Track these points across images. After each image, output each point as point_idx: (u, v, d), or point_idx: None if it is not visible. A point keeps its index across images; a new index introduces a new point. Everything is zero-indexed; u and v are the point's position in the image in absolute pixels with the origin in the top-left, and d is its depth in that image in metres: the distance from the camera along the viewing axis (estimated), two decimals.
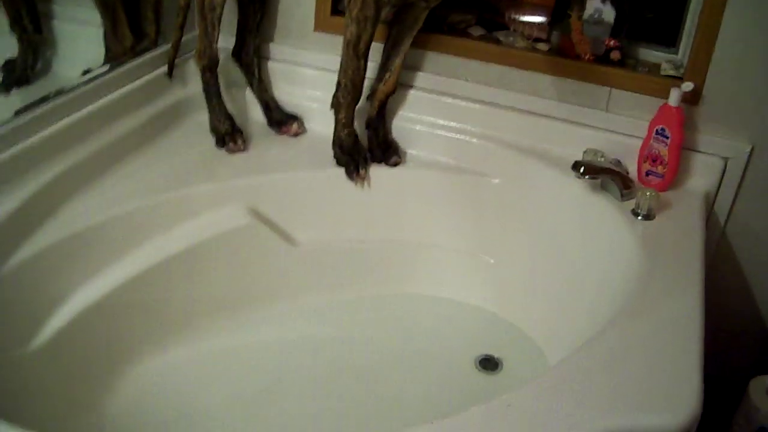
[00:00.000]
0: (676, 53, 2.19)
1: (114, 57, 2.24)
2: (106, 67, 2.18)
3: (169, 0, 2.32)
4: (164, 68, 2.32)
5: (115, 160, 2.09)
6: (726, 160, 2.09)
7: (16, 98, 2.12)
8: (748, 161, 2.09)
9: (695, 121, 2.09)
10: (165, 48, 2.34)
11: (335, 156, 2.18)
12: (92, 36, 2.26)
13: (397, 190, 2.23)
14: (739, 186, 2.12)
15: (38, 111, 1.93)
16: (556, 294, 2.12)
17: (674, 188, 2.09)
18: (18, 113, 1.90)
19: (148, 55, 2.30)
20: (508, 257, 2.23)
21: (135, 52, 2.29)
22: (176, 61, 2.32)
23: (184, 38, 2.30)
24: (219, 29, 2.16)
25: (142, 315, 1.98)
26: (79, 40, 2.27)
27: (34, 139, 1.90)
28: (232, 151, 2.23)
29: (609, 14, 2.10)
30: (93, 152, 2.02)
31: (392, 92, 2.21)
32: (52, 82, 2.21)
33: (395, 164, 2.22)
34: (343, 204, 2.20)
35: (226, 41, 2.31)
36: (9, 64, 2.15)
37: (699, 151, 2.10)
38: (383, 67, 2.19)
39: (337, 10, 2.33)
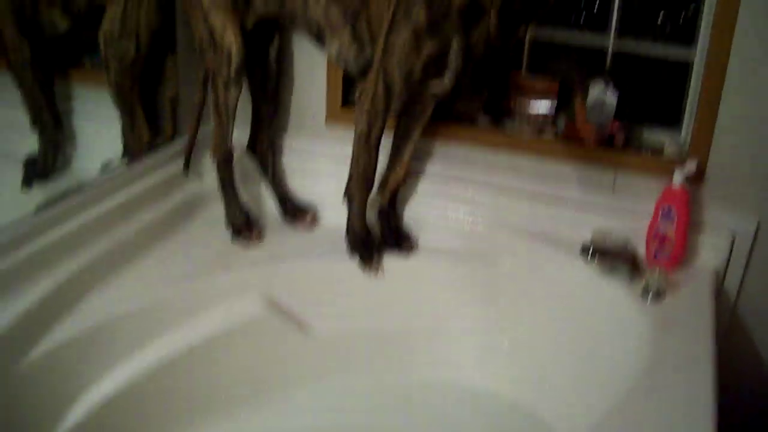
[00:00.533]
0: (679, 132, 2.28)
1: (132, 152, 2.37)
2: (124, 163, 2.31)
3: (185, 95, 2.45)
4: (180, 164, 2.44)
5: (133, 254, 2.18)
6: (733, 236, 2.15)
7: (38, 192, 2.21)
8: (755, 237, 2.15)
9: (700, 200, 2.16)
10: (181, 143, 2.46)
11: (349, 246, 2.25)
12: (110, 131, 2.38)
13: (410, 277, 2.29)
14: (748, 262, 2.17)
15: (59, 207, 2.03)
16: (569, 375, 2.16)
17: (683, 267, 2.15)
18: (39, 209, 2.00)
19: (164, 151, 2.42)
20: (522, 341, 2.27)
21: (152, 147, 2.41)
22: (192, 154, 2.43)
23: (199, 132, 2.41)
24: (233, 124, 2.27)
25: (161, 406, 2.03)
26: (98, 136, 2.40)
27: (54, 234, 1.98)
28: (248, 243, 2.31)
29: (611, 99, 2.19)
30: (112, 246, 2.11)
31: (403, 181, 2.31)
32: (72, 177, 2.31)
33: (408, 252, 2.29)
34: (358, 292, 2.26)
35: (240, 134, 2.41)
36: (30, 159, 2.26)
37: (706, 229, 2.17)
38: (393, 157, 2.29)
39: (347, 101, 2.46)
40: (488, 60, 1.75)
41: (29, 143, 2.27)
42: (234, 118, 2.26)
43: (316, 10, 2.08)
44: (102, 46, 2.25)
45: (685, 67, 2.23)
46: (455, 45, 1.84)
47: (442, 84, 2.01)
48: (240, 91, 2.23)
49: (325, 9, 2.07)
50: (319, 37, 2.15)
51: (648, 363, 1.80)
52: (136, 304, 2.00)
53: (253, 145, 2.46)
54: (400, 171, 2.27)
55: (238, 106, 2.26)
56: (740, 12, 1.98)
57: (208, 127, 2.42)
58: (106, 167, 2.29)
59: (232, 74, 2.19)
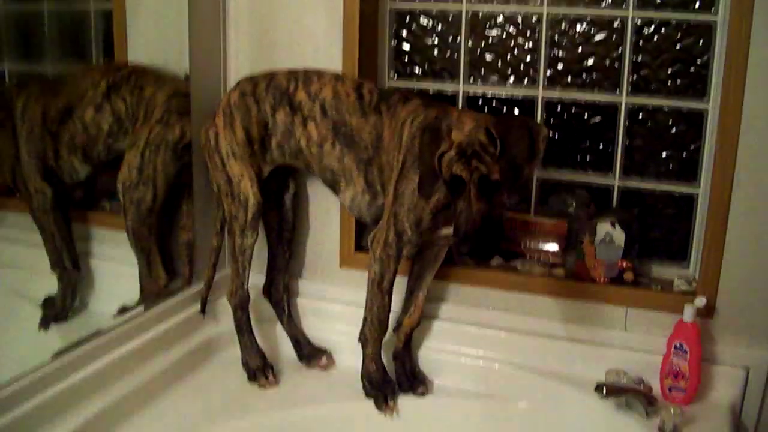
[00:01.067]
0: (688, 268, 2.37)
1: (148, 295, 2.46)
2: (141, 308, 2.37)
3: (201, 240, 2.55)
4: (196, 307, 2.52)
5: (150, 398, 2.23)
6: (747, 369, 2.19)
7: (55, 335, 2.26)
8: None
9: (712, 334, 2.22)
10: (196, 288, 2.55)
11: (364, 388, 2.30)
12: (127, 274, 2.46)
13: (425, 419, 2.30)
14: (764, 394, 2.20)
15: (76, 353, 2.08)
16: None
17: (698, 401, 2.18)
18: (56, 355, 2.04)
19: (180, 296, 2.50)
20: None
21: (168, 291, 2.49)
22: (208, 298, 2.51)
23: (215, 276, 2.50)
24: (249, 270, 2.35)
25: None
26: (115, 278, 2.49)
27: (72, 379, 2.03)
28: (263, 386, 2.35)
29: (619, 237, 2.27)
30: (129, 391, 2.16)
31: (417, 325, 2.37)
32: (89, 319, 2.37)
33: (422, 394, 2.33)
34: None
35: (255, 278, 2.49)
36: (49, 301, 2.32)
37: (720, 363, 2.21)
38: (407, 301, 2.37)
39: (360, 246, 2.55)
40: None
41: (47, 285, 2.33)
42: (250, 263, 2.35)
43: (331, 159, 2.20)
44: (120, 193, 2.37)
45: (691, 203, 2.33)
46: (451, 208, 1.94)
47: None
48: (256, 237, 2.33)
49: (340, 158, 2.18)
50: (333, 186, 2.26)
51: None
52: None
53: (268, 289, 2.55)
54: (414, 315, 2.34)
55: (254, 251, 2.34)
56: (739, 152, 2.09)
57: (224, 272, 2.50)
58: (122, 311, 2.34)
59: (249, 220, 2.28)
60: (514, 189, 1.91)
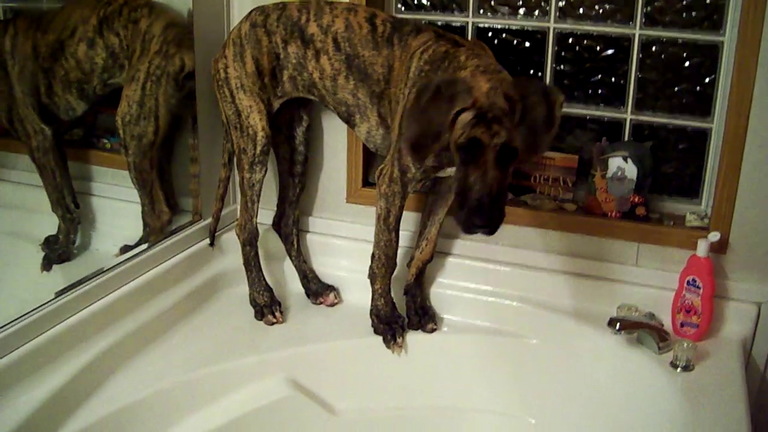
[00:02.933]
0: (700, 204, 2.36)
1: (152, 232, 2.44)
2: (145, 246, 2.35)
3: (206, 175, 2.53)
4: (202, 243, 2.51)
5: (156, 335, 2.23)
6: (759, 305, 2.20)
7: (58, 275, 2.25)
8: None
9: (725, 269, 2.22)
10: (202, 224, 2.53)
11: (373, 325, 2.30)
12: (129, 212, 2.45)
13: (435, 355, 2.32)
14: None
15: (79, 291, 2.07)
16: None
17: (710, 337, 2.19)
18: (59, 293, 2.02)
19: (185, 232, 2.48)
20: (550, 417, 2.29)
21: (172, 227, 2.48)
22: (217, 231, 2.51)
23: (223, 211, 2.50)
24: (258, 204, 2.34)
25: None
26: (118, 216, 2.49)
27: (76, 318, 2.03)
28: (270, 323, 2.36)
29: (631, 171, 2.25)
30: (134, 329, 2.16)
31: (429, 260, 2.36)
32: (92, 258, 2.36)
33: (432, 331, 2.33)
34: (381, 372, 2.30)
35: (264, 214, 2.48)
36: (50, 241, 2.30)
37: (732, 299, 2.22)
38: (420, 236, 2.35)
39: (368, 182, 2.53)
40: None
41: (48, 226, 2.32)
42: (259, 198, 2.34)
43: (344, 93, 2.17)
44: (120, 128, 2.34)
45: (704, 138, 2.31)
46: (456, 175, 1.84)
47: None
48: (265, 172, 2.31)
49: (353, 92, 2.15)
50: (348, 120, 2.24)
51: None
52: (160, 387, 2.03)
53: (278, 223, 2.53)
54: (426, 249, 2.33)
55: (264, 184, 2.33)
56: (756, 84, 2.07)
57: (233, 207, 2.48)
58: (125, 249, 2.33)
59: (258, 154, 2.26)
60: (529, 159, 1.84)
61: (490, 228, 1.78)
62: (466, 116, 1.73)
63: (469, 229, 1.80)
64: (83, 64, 2.29)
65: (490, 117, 1.72)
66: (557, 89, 1.84)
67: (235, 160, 2.35)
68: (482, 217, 1.75)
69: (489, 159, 1.74)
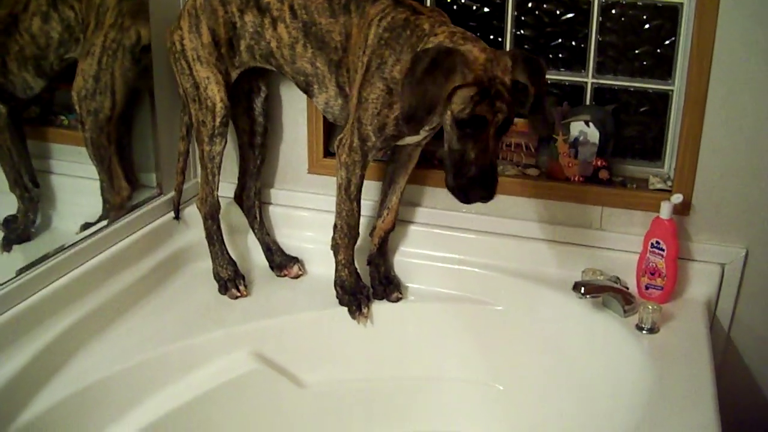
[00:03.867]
0: (662, 167, 2.35)
1: (112, 208, 2.39)
2: (105, 222, 2.31)
3: (165, 149, 2.48)
4: (163, 218, 2.48)
5: (120, 312, 2.20)
6: (723, 266, 2.21)
7: (18, 255, 2.21)
8: (745, 264, 2.21)
9: (688, 231, 2.23)
10: (162, 199, 2.50)
11: (337, 296, 2.28)
12: (90, 189, 2.39)
13: (401, 325, 2.31)
14: (739, 290, 2.23)
15: (40, 268, 2.03)
16: (568, 415, 2.18)
17: (675, 299, 2.20)
18: (20, 272, 1.99)
19: (146, 207, 2.44)
20: (518, 383, 2.29)
21: (132, 202, 2.43)
22: (180, 204, 2.49)
23: (185, 183, 2.48)
24: (219, 177, 2.31)
25: None
26: (78, 194, 2.43)
27: (38, 297, 1.99)
28: (235, 297, 2.33)
29: (593, 135, 2.24)
30: (97, 306, 2.13)
31: (391, 229, 2.34)
32: (53, 237, 2.32)
33: (397, 300, 2.32)
34: (348, 343, 2.28)
35: (226, 187, 2.45)
36: (9, 221, 2.26)
37: (695, 260, 2.23)
38: (382, 205, 2.33)
39: (329, 152, 2.51)
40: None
41: (7, 205, 2.27)
42: (219, 170, 2.30)
43: (303, 61, 2.14)
44: (76, 103, 2.28)
45: (666, 100, 2.30)
46: (451, 147, 1.86)
47: (418, 138, 2.08)
48: (225, 144, 2.27)
49: (311, 61, 2.13)
50: (307, 90, 2.21)
51: (648, 397, 1.83)
52: (125, 364, 2.01)
53: (240, 196, 2.50)
54: (388, 218, 2.31)
55: (225, 157, 2.30)
56: (716, 45, 2.06)
57: (194, 180, 2.45)
58: (86, 226, 2.29)
59: (217, 126, 2.23)
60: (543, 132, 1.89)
61: (487, 197, 1.84)
62: (468, 92, 1.75)
63: (471, 200, 1.85)
64: (38, 39, 2.23)
65: (492, 92, 1.75)
66: (540, 58, 1.87)
67: (193, 132, 2.32)
68: (485, 188, 1.81)
69: (491, 134, 1.77)
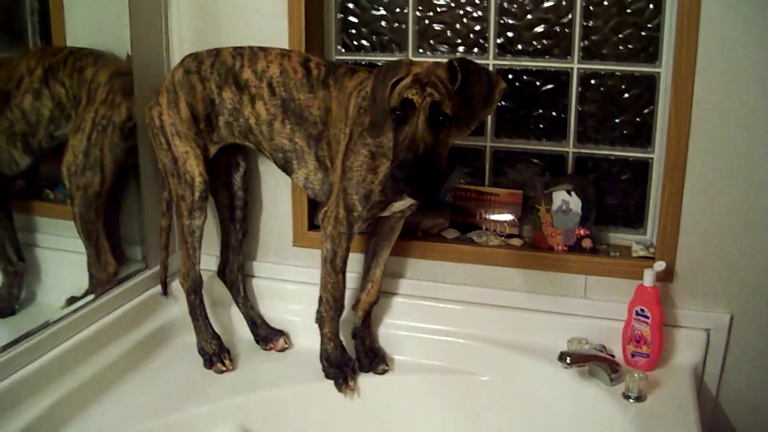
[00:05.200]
0: (645, 233, 2.36)
1: (98, 283, 2.38)
2: (91, 297, 2.31)
3: (150, 224, 2.50)
4: (148, 293, 2.48)
5: (105, 388, 2.18)
6: (708, 331, 2.21)
7: (2, 329, 2.20)
8: (730, 330, 2.20)
9: (672, 298, 2.23)
10: (147, 274, 2.50)
11: (323, 369, 2.27)
12: (74, 262, 2.39)
13: (387, 397, 2.29)
14: (725, 355, 2.22)
15: (24, 345, 2.02)
16: None
17: (661, 366, 2.19)
18: (3, 349, 1.98)
19: (131, 282, 2.44)
20: None
21: (118, 277, 2.43)
22: (167, 279, 2.50)
23: (170, 258, 2.49)
24: (200, 251, 2.32)
25: None
26: (62, 268, 2.43)
27: (21, 374, 1.98)
28: (220, 371, 2.32)
29: (576, 204, 2.26)
30: (82, 382, 2.11)
31: (375, 301, 2.34)
32: (37, 310, 2.31)
33: (383, 372, 2.31)
34: (334, 416, 2.26)
35: (210, 260, 2.47)
36: None
37: (680, 326, 2.22)
38: (365, 278, 2.33)
39: (314, 225, 2.51)
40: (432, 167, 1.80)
41: None
42: (200, 245, 2.31)
43: (281, 137, 2.17)
44: (65, 178, 2.30)
45: (646, 168, 2.32)
46: (388, 141, 1.93)
47: (404, 203, 2.09)
48: (205, 218, 2.28)
49: (290, 137, 2.15)
50: (285, 167, 2.23)
51: None
52: None
53: (223, 270, 2.51)
54: (372, 291, 2.31)
55: (205, 233, 2.31)
56: (694, 112, 2.09)
57: (178, 254, 2.46)
58: (71, 301, 2.29)
59: (196, 200, 2.24)
60: (461, 130, 1.88)
61: (417, 187, 1.79)
62: (403, 82, 1.83)
63: (395, 187, 1.84)
64: (29, 116, 2.25)
65: (425, 82, 1.80)
66: (500, 78, 1.91)
67: (173, 207, 2.33)
68: (404, 172, 1.76)
69: (420, 118, 1.79)
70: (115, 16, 2.36)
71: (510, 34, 2.36)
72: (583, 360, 2.10)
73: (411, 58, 2.43)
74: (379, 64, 2.43)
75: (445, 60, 1.85)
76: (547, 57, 2.34)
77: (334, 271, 2.15)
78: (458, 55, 2.40)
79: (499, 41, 2.37)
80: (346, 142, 2.03)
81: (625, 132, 2.33)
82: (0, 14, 2.27)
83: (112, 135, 2.32)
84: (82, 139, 2.28)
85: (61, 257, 2.41)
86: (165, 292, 2.50)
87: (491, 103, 1.86)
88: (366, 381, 2.26)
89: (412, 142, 1.77)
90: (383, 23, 2.47)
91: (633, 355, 2.17)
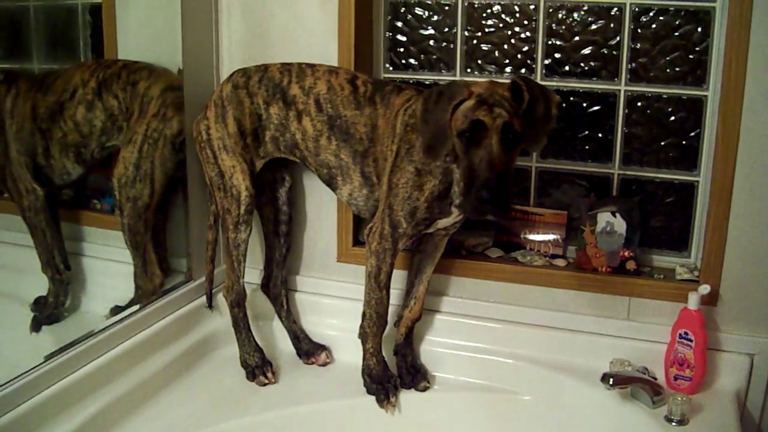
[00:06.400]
0: (689, 256, 2.37)
1: (143, 294, 2.42)
2: (136, 307, 2.35)
3: (197, 236, 2.54)
4: (193, 305, 2.51)
5: (147, 398, 2.21)
6: (752, 356, 2.20)
7: (47, 337, 2.23)
8: None
9: (716, 321, 2.22)
10: (192, 285, 2.53)
11: (365, 384, 2.29)
12: (119, 272, 2.44)
13: (428, 414, 2.30)
14: None
15: (69, 354, 2.05)
16: None
17: (704, 390, 2.18)
18: (49, 357, 2.01)
19: (176, 293, 2.48)
20: None
21: (163, 289, 2.47)
22: (212, 292, 2.53)
23: (215, 271, 2.51)
24: (245, 265, 2.35)
25: None
26: (107, 277, 2.47)
27: (66, 382, 2.00)
28: (262, 384, 2.34)
29: (620, 226, 2.26)
30: (126, 391, 2.14)
31: (418, 318, 2.36)
32: (82, 319, 2.35)
33: (425, 389, 2.32)
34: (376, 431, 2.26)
35: (254, 274, 2.50)
36: (40, 302, 2.29)
37: (724, 350, 2.21)
38: (408, 294, 2.35)
39: (358, 241, 2.54)
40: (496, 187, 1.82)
41: (38, 286, 2.31)
42: (245, 258, 2.34)
43: (327, 153, 2.20)
44: (116, 189, 2.35)
45: (691, 191, 2.33)
46: (461, 166, 1.91)
47: (449, 220, 2.10)
48: (250, 232, 2.31)
49: (336, 153, 2.18)
50: (330, 183, 2.26)
51: None
52: None
53: (266, 284, 2.53)
54: (415, 308, 2.33)
55: (249, 246, 2.34)
56: (741, 135, 2.10)
57: (222, 267, 2.50)
58: (115, 310, 2.32)
59: (242, 214, 2.28)
60: (532, 147, 1.91)
61: (500, 206, 1.83)
62: (467, 104, 1.83)
63: (479, 208, 1.85)
64: (82, 127, 2.30)
65: (491, 102, 1.81)
66: (553, 92, 1.92)
67: (220, 221, 2.36)
68: (490, 191, 1.79)
69: (493, 140, 1.80)
70: (167, 31, 2.42)
71: (558, 55, 2.38)
72: (626, 382, 2.10)
73: (460, 77, 2.46)
74: (427, 83, 2.48)
75: (494, 79, 1.87)
76: (594, 79, 2.36)
77: (378, 286, 2.17)
78: (506, 75, 2.43)
79: (546, 62, 2.39)
80: (393, 159, 2.06)
81: (670, 155, 2.34)
82: (54, 28, 2.33)
83: (163, 148, 2.36)
84: (133, 151, 2.32)
85: (106, 267, 2.45)
86: (210, 304, 2.53)
87: (551, 119, 1.88)
88: (407, 398, 2.27)
89: (491, 163, 1.79)
90: (431, 42, 2.50)
91: (676, 378, 2.17)
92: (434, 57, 2.51)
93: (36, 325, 2.30)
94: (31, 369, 1.92)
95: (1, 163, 2.24)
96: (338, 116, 2.17)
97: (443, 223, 2.11)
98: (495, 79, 1.97)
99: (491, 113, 1.80)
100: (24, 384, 1.88)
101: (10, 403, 1.84)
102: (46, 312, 2.34)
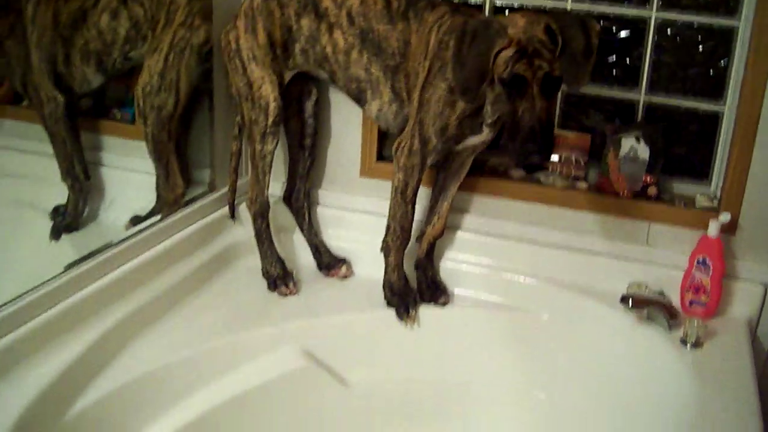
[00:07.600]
0: (709, 186, 2.40)
1: (165, 204, 2.45)
2: (158, 217, 2.37)
3: (221, 147, 2.55)
4: (214, 215, 2.53)
5: (169, 307, 2.24)
6: (766, 286, 2.24)
7: (67, 245, 2.26)
8: None
9: (733, 250, 2.26)
10: (214, 196, 2.56)
11: (386, 298, 2.33)
12: (139, 183, 2.47)
13: (446, 329, 2.35)
14: None
15: (90, 263, 2.06)
16: (609, 427, 2.20)
17: (717, 316, 2.23)
18: (69, 266, 2.02)
19: (198, 204, 2.50)
20: (559, 392, 2.33)
21: (185, 199, 2.49)
22: (235, 203, 2.55)
23: (238, 182, 2.53)
24: (270, 177, 2.36)
25: None
26: (126, 187, 2.49)
27: (87, 291, 2.02)
28: (283, 295, 2.38)
29: (644, 152, 2.28)
30: (147, 301, 2.16)
31: (440, 235, 2.39)
32: (100, 228, 2.37)
33: (444, 304, 2.36)
34: (393, 344, 2.33)
35: (276, 188, 2.52)
36: (58, 210, 2.31)
37: (739, 279, 2.26)
38: (431, 211, 2.38)
39: (381, 156, 2.56)
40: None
41: (57, 195, 2.33)
42: (270, 170, 2.36)
43: (357, 67, 2.20)
44: (140, 99, 2.34)
45: (715, 121, 2.35)
46: (502, 109, 1.93)
47: (479, 138, 2.12)
48: (276, 144, 2.33)
49: (366, 67, 2.18)
50: (358, 98, 2.27)
51: (692, 414, 1.87)
52: (176, 358, 2.05)
53: (289, 197, 2.56)
54: (437, 224, 2.36)
55: (274, 158, 2.35)
56: None
57: (244, 179, 2.51)
58: (135, 220, 2.35)
59: (269, 125, 2.29)
60: (574, 89, 1.92)
61: (545, 154, 1.87)
62: (507, 53, 1.81)
63: (524, 157, 1.87)
64: (105, 35, 2.28)
65: (530, 51, 1.80)
66: (592, 19, 1.92)
67: (245, 132, 2.37)
68: (536, 143, 1.83)
69: (534, 91, 1.82)
70: None
71: None
72: (646, 303, 2.16)
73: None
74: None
75: (540, 21, 1.82)
76: (625, 4, 2.35)
77: (404, 201, 2.20)
78: None
79: None
80: (425, 76, 2.06)
81: (697, 84, 2.35)
82: None
83: (189, 57, 2.35)
84: (158, 60, 2.31)
85: (126, 177, 2.47)
86: (233, 215, 2.55)
87: (592, 51, 1.85)
88: (426, 312, 2.32)
89: (533, 116, 1.81)
90: None
91: (691, 304, 2.22)
92: None
93: (55, 233, 2.32)
94: (51, 278, 1.93)
95: (22, 70, 2.23)
96: (370, 30, 2.17)
97: (473, 141, 2.13)
98: (528, 11, 1.94)
99: (531, 66, 1.80)
100: (44, 293, 1.89)
101: (32, 312, 1.85)
102: (65, 220, 2.35)
